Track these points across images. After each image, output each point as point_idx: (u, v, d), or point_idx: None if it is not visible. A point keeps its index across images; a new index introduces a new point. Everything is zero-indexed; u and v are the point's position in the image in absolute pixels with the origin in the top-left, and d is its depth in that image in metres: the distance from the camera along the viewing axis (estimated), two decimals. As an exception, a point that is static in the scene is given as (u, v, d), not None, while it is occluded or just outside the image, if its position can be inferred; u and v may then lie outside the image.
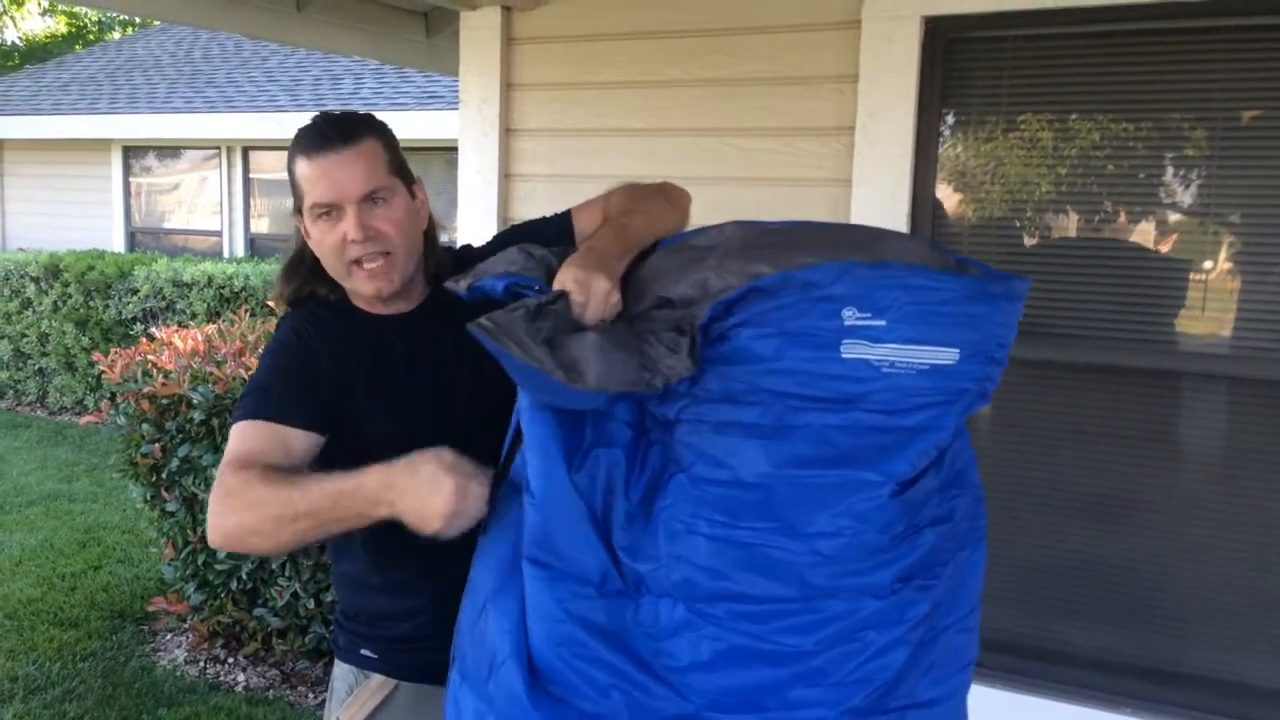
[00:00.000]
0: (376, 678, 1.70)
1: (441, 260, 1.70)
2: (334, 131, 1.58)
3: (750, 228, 1.49)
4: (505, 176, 3.08)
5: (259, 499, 1.42)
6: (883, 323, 1.31)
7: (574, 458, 1.38)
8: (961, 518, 1.44)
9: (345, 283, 1.62)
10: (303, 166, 1.58)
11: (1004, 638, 2.65)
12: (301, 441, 1.52)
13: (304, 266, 1.68)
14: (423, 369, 1.66)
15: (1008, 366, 2.61)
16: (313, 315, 1.66)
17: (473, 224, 3.09)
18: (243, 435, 1.51)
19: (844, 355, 1.32)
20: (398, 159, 1.63)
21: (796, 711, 1.34)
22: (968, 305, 1.35)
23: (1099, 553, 2.59)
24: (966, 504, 1.46)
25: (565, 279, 1.43)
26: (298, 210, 1.64)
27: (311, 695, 3.84)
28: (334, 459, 1.49)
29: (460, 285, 1.49)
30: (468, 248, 1.84)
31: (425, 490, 1.37)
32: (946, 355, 1.33)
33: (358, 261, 1.57)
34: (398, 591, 1.69)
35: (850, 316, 1.31)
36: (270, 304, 5.91)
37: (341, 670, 1.76)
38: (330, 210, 1.56)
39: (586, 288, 1.42)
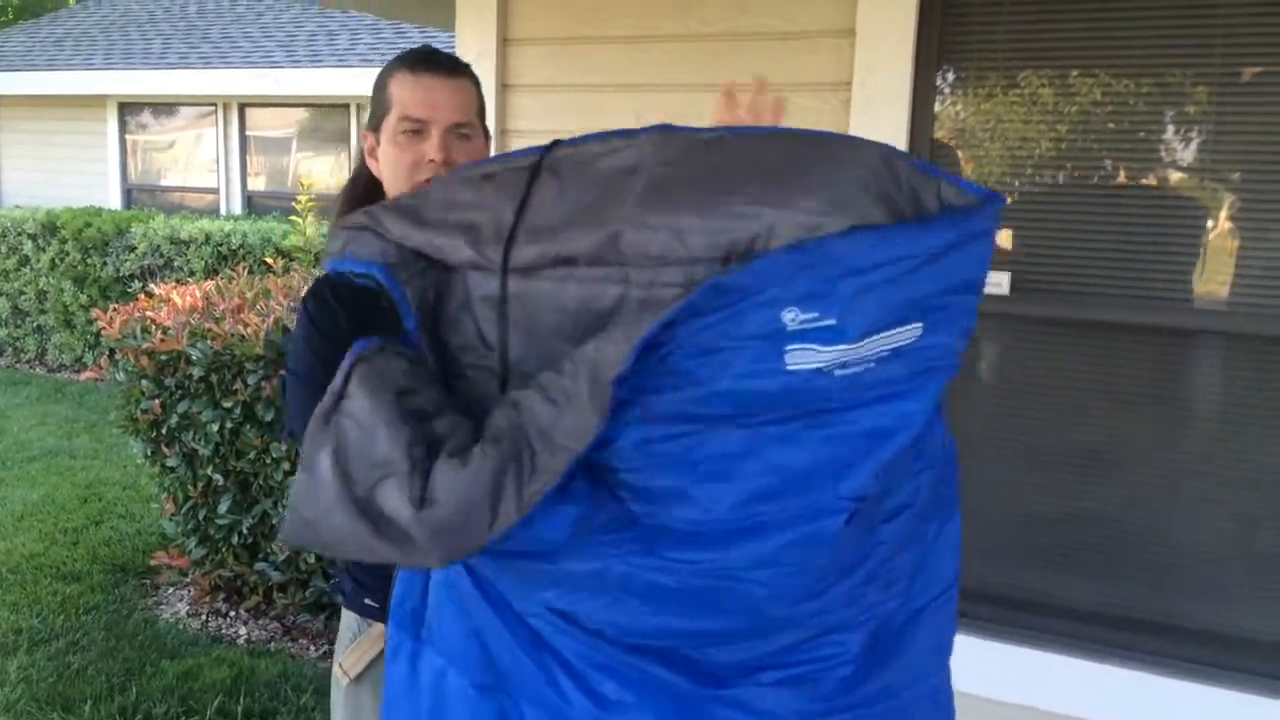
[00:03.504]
0: (378, 627, 1.73)
1: None
2: (443, 58, 1.64)
3: (671, 143, 1.20)
4: (502, 132, 3.07)
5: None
6: (831, 321, 1.06)
7: None
8: (925, 496, 1.26)
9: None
10: (402, 79, 1.62)
11: (992, 589, 2.69)
12: None
13: (357, 192, 1.70)
14: None
15: (1007, 323, 2.61)
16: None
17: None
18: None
19: (789, 367, 1.08)
20: (483, 111, 1.70)
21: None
22: (933, 263, 1.08)
23: (1089, 506, 2.62)
24: (931, 479, 1.26)
25: None
26: (374, 127, 1.66)
27: (313, 648, 3.89)
28: None
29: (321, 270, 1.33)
30: None
31: None
32: (909, 333, 1.10)
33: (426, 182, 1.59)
34: None
35: (793, 320, 1.06)
36: (268, 261, 5.91)
37: (347, 619, 1.79)
38: (419, 128, 1.60)
39: None
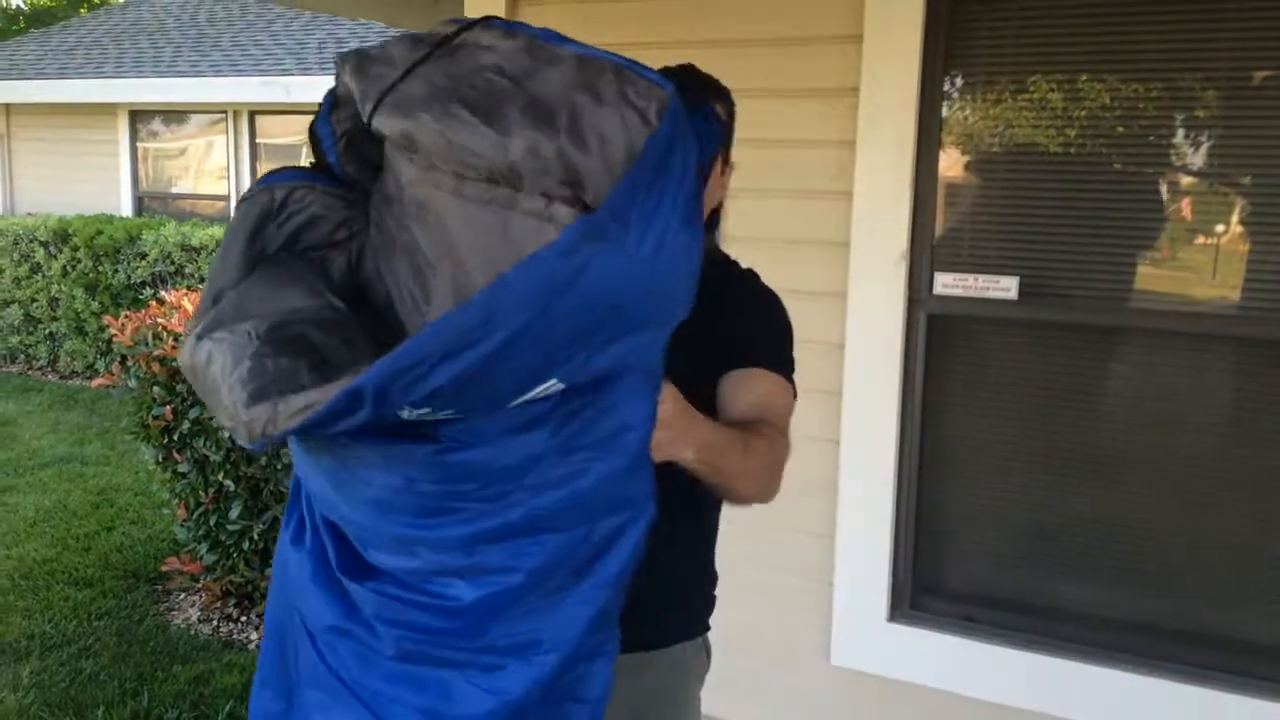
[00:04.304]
0: None
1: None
2: (693, 85, 1.59)
3: (525, 55, 1.17)
4: None
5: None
6: (449, 411, 1.10)
7: None
8: (599, 482, 1.21)
9: None
10: None
11: (1002, 594, 2.69)
12: None
13: None
14: None
15: (1013, 328, 2.60)
16: None
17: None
18: None
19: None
20: (730, 133, 1.64)
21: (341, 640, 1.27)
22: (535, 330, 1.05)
23: (1096, 511, 2.62)
24: (608, 469, 1.21)
25: None
26: None
27: (323, 653, 3.90)
28: None
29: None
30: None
31: None
32: (542, 389, 1.12)
33: None
34: None
35: (409, 414, 1.09)
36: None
37: None
38: None
39: None
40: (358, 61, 1.24)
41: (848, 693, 2.78)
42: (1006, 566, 2.71)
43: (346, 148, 1.29)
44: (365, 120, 1.21)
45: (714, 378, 1.56)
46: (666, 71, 1.64)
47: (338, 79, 1.27)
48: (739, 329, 1.60)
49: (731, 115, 1.64)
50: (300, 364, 1.13)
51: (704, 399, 1.48)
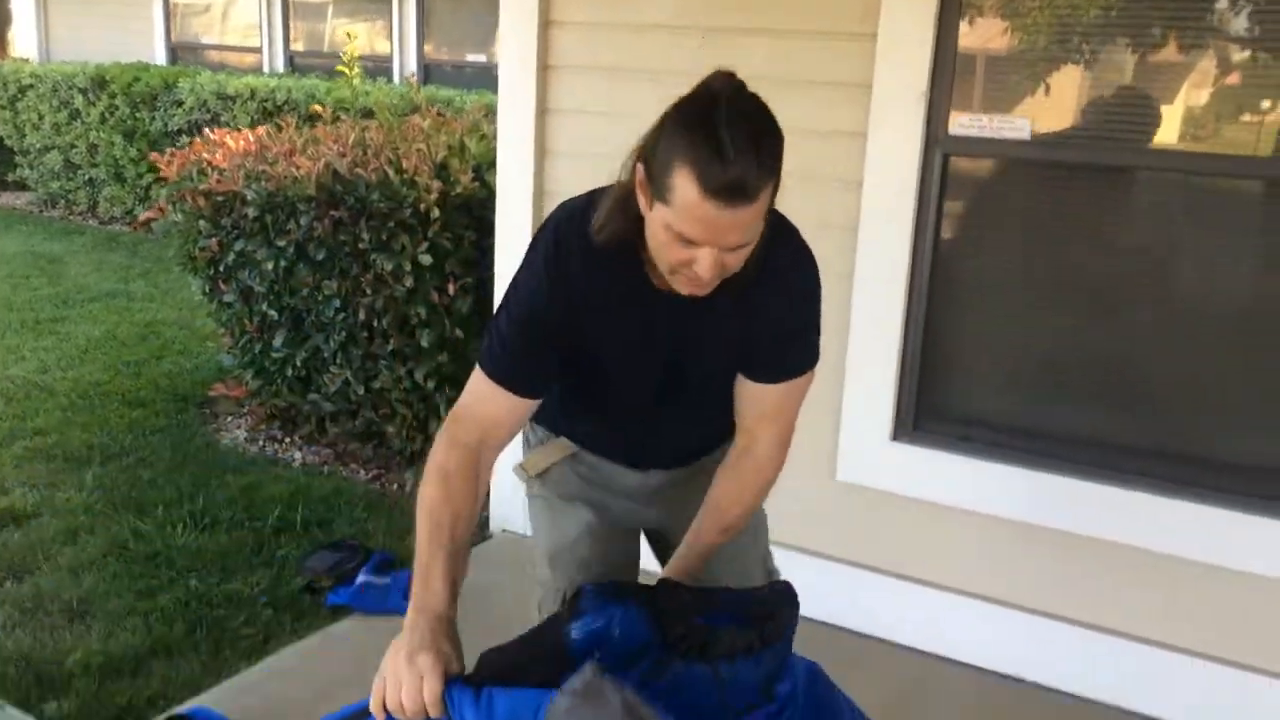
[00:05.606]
0: (564, 440, 1.91)
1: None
2: (740, 188, 1.33)
3: None
4: (542, 112, 3.27)
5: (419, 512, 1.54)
6: None
7: None
8: None
9: (661, 270, 1.51)
10: (690, 191, 1.33)
11: (1000, 417, 2.87)
12: (522, 404, 1.62)
13: (628, 222, 1.51)
14: (663, 343, 1.64)
15: (1025, 168, 2.67)
16: (582, 252, 1.57)
17: (513, 73, 3.30)
18: (476, 384, 1.63)
19: None
20: (777, 188, 1.42)
21: None
22: None
23: (1097, 342, 2.78)
24: None
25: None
26: (650, 183, 1.42)
27: (362, 472, 4.16)
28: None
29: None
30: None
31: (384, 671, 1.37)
32: None
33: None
34: (588, 436, 1.91)
35: None
36: (317, 109, 6.04)
37: (536, 430, 1.96)
38: (690, 242, 1.40)
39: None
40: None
41: (850, 505, 3.00)
42: (1006, 391, 2.89)
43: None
44: None
45: (742, 363, 1.68)
46: (713, 166, 1.32)
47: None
48: (776, 340, 1.65)
49: (781, 168, 1.40)
50: None
51: (727, 386, 1.71)
